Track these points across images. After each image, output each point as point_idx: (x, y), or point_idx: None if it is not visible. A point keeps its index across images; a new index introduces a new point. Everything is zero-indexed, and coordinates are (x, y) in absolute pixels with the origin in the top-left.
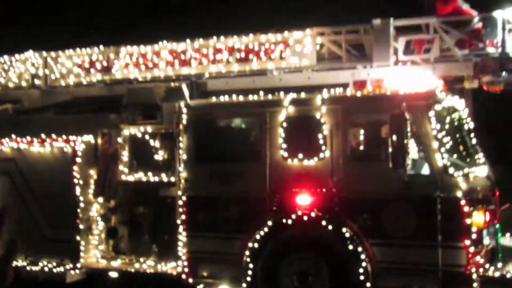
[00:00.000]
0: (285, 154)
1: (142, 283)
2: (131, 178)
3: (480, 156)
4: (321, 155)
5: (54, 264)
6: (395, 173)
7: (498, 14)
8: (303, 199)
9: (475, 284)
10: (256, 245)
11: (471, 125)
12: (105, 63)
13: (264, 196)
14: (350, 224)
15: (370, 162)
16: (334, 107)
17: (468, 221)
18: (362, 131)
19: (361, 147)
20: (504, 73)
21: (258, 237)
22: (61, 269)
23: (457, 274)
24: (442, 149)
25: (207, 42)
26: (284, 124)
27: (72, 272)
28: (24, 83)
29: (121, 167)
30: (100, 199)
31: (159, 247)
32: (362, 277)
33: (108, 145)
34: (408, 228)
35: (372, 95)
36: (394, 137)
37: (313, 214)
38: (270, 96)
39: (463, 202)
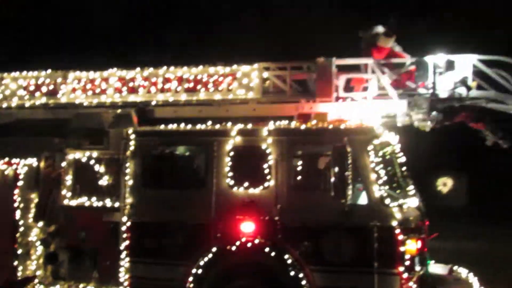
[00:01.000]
0: (231, 183)
1: None
2: (73, 202)
3: (411, 188)
4: (266, 184)
5: None
6: (335, 202)
7: (429, 59)
8: (247, 226)
9: None
10: (200, 271)
11: (403, 159)
12: (51, 87)
13: (209, 223)
14: (292, 251)
15: (312, 192)
16: (279, 138)
17: (402, 248)
18: (305, 162)
19: (304, 178)
20: (434, 113)
21: (202, 263)
22: None
23: None
24: (379, 181)
25: (157, 71)
26: (231, 154)
27: None
28: None
29: (64, 192)
30: (41, 224)
31: (100, 273)
32: None
33: (51, 168)
34: (347, 255)
35: (316, 128)
36: (336, 169)
37: (256, 241)
38: (217, 126)
39: (397, 231)
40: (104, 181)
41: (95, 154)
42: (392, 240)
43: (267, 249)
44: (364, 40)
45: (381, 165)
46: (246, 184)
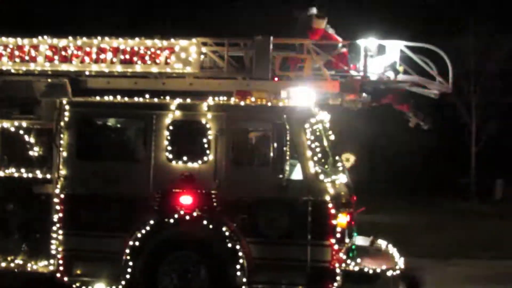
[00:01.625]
0: (170, 156)
1: (11, 283)
2: (0, 173)
3: (340, 165)
4: (205, 158)
5: None
6: (272, 177)
7: (361, 42)
8: (186, 199)
9: (338, 278)
10: (137, 243)
11: (333, 137)
12: None
13: (146, 196)
14: (229, 223)
15: (250, 167)
16: (220, 114)
17: (334, 222)
18: (244, 138)
19: (243, 153)
20: (364, 94)
21: (139, 235)
22: None
23: (323, 269)
24: (314, 158)
25: (91, 41)
26: (170, 128)
27: None
28: None
29: None
30: None
31: (30, 245)
32: (238, 273)
33: None
34: (282, 228)
35: (255, 105)
36: (275, 145)
37: (195, 214)
38: (156, 99)
39: (330, 205)
40: (34, 152)
41: (24, 124)
42: (325, 213)
43: (204, 222)
44: (300, 21)
45: (316, 143)
46: (185, 158)
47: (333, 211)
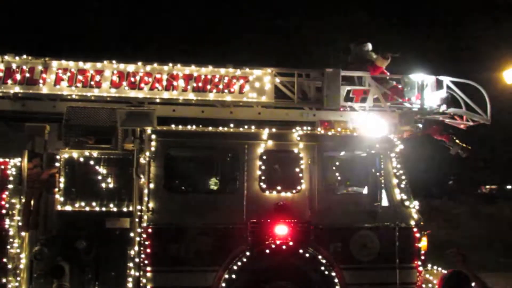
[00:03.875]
0: (263, 186)
1: None
2: (68, 208)
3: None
4: (298, 187)
5: None
6: (366, 205)
7: (416, 77)
8: (281, 229)
9: None
10: (233, 276)
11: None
12: (28, 75)
13: (240, 227)
14: (324, 251)
15: (342, 195)
16: (312, 144)
17: (418, 245)
18: (336, 167)
19: (335, 181)
20: (419, 125)
21: (235, 267)
22: None
23: None
24: (400, 185)
25: (161, 67)
26: (263, 157)
27: None
28: None
29: (58, 196)
30: (32, 233)
31: (103, 285)
32: None
33: (40, 169)
34: (373, 253)
35: (347, 135)
36: (371, 174)
37: (290, 243)
38: (247, 129)
39: (415, 229)
40: (106, 183)
41: (94, 153)
42: (411, 238)
43: (300, 251)
44: (353, 54)
45: (401, 171)
46: (278, 187)
47: (417, 235)
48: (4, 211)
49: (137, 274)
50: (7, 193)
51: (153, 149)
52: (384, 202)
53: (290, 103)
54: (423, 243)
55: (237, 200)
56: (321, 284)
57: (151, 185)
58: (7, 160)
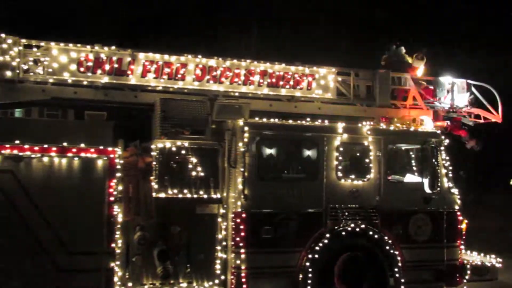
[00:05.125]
0: (340, 175)
1: None
2: (163, 195)
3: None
4: (368, 176)
5: None
6: (422, 192)
7: (446, 79)
8: (354, 213)
9: (467, 271)
10: (316, 256)
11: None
12: (116, 65)
13: (320, 211)
14: (388, 233)
15: (403, 183)
16: (379, 137)
17: (461, 227)
18: (397, 159)
19: (397, 171)
20: (448, 121)
21: (317, 248)
22: None
23: (455, 266)
24: (448, 175)
25: (239, 62)
26: (340, 149)
27: None
28: None
29: (154, 183)
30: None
31: (194, 267)
32: (397, 275)
33: (136, 158)
34: (427, 234)
35: (408, 131)
36: (430, 164)
37: (363, 226)
38: (326, 123)
39: (459, 213)
40: (196, 172)
41: (186, 143)
42: (456, 221)
43: (370, 232)
44: (390, 57)
45: (447, 162)
46: (352, 176)
47: (460, 218)
48: (112, 199)
49: (224, 256)
50: (115, 181)
51: (245, 140)
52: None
53: (346, 100)
54: (464, 226)
55: (318, 188)
56: (385, 262)
57: (245, 174)
58: (115, 149)
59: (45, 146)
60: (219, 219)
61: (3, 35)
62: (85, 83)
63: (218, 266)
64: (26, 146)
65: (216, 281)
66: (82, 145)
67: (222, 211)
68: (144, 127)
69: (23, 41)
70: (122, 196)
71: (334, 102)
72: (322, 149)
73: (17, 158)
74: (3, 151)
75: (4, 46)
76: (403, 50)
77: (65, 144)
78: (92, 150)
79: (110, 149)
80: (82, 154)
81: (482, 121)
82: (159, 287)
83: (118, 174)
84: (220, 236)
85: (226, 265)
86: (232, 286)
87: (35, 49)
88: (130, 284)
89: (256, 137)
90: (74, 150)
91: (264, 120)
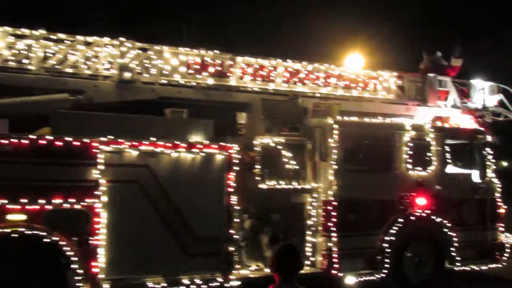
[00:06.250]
0: (408, 167)
1: None
2: (264, 186)
3: None
4: (430, 168)
5: (199, 281)
6: (473, 182)
7: (478, 82)
8: (421, 201)
9: (506, 249)
10: (392, 238)
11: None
12: (218, 68)
13: (393, 199)
14: (446, 218)
15: (456, 174)
16: (439, 134)
17: (501, 212)
18: (453, 153)
19: (451, 164)
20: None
21: (392, 231)
22: (207, 285)
23: (496, 245)
24: (491, 167)
25: (319, 67)
26: (409, 144)
27: (226, 285)
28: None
29: (257, 176)
30: (247, 208)
31: None
32: (453, 253)
33: (242, 152)
34: (475, 218)
35: (463, 129)
36: (481, 158)
37: (428, 212)
38: (396, 121)
39: (499, 200)
40: (291, 165)
41: (282, 139)
42: (497, 207)
43: (433, 217)
44: (427, 60)
45: (491, 156)
46: (418, 168)
47: (500, 204)
48: (230, 189)
49: (314, 240)
50: (232, 174)
51: (335, 137)
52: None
53: (400, 100)
54: (502, 210)
55: (391, 178)
56: (443, 243)
57: (335, 167)
58: (233, 145)
59: (176, 142)
60: (309, 207)
61: (123, 39)
62: (193, 83)
63: (308, 249)
64: (160, 143)
65: (308, 262)
66: (206, 142)
67: (310, 200)
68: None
69: (139, 44)
70: (238, 188)
71: (390, 102)
72: (394, 144)
73: (151, 153)
74: (140, 147)
75: (123, 49)
76: (438, 54)
77: (191, 140)
78: (214, 146)
79: (229, 145)
80: (206, 150)
81: (501, 119)
82: (262, 268)
83: (235, 168)
84: (309, 222)
85: (315, 247)
86: (323, 266)
87: (150, 52)
88: (238, 266)
89: (345, 134)
90: (199, 146)
91: (350, 118)
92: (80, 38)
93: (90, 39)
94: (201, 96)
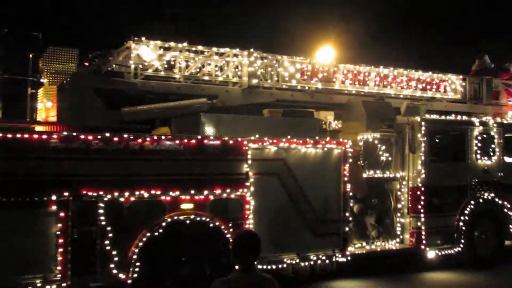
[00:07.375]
0: (478, 157)
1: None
2: (365, 175)
3: None
4: (494, 158)
5: (323, 256)
6: None
7: None
8: (486, 186)
9: None
10: (467, 218)
11: None
12: (325, 74)
13: (465, 185)
14: (504, 199)
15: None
16: (500, 129)
17: None
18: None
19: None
20: None
21: (466, 212)
22: (328, 260)
23: None
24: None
25: (403, 72)
26: (478, 137)
27: (341, 260)
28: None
29: (359, 167)
30: (355, 194)
31: (383, 228)
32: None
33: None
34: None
35: None
36: None
37: (492, 194)
38: (467, 118)
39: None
40: (385, 156)
41: (378, 134)
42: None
43: (496, 199)
44: (479, 64)
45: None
46: (485, 158)
47: None
48: (346, 179)
49: (402, 220)
50: (347, 165)
51: (423, 132)
52: None
53: (462, 99)
54: None
55: (465, 167)
56: (504, 221)
57: (422, 158)
58: (345, 140)
59: (306, 139)
60: (398, 193)
61: (251, 50)
62: (306, 88)
63: (397, 229)
64: (294, 140)
65: (397, 240)
66: (327, 138)
67: (399, 186)
68: None
69: (264, 54)
70: (352, 178)
71: (453, 101)
72: (467, 138)
73: (286, 149)
74: (279, 144)
75: (252, 59)
76: (487, 58)
77: (317, 137)
78: (334, 142)
79: (345, 141)
80: (327, 145)
81: None
82: (364, 246)
83: (350, 160)
84: (398, 206)
85: (403, 227)
86: (411, 243)
87: (273, 61)
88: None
89: (430, 130)
90: (322, 142)
91: (435, 116)
92: (214, 49)
93: (222, 50)
94: (309, 98)
